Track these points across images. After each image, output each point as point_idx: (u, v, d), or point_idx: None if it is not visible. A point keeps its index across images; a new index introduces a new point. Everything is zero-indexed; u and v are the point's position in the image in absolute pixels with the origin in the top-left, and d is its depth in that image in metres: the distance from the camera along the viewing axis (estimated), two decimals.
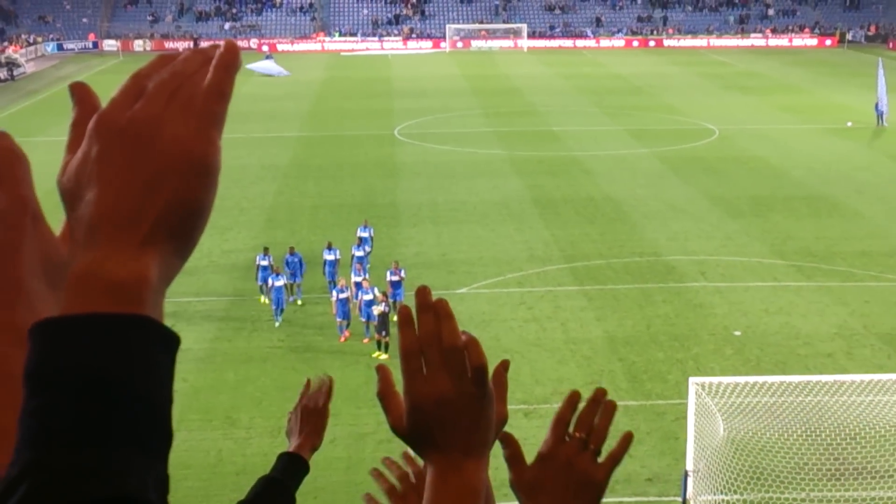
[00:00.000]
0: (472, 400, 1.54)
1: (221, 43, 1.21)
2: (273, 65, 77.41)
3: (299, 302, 28.40)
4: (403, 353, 1.54)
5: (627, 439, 1.90)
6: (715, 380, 20.33)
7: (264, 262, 28.45)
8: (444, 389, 1.53)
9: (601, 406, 1.89)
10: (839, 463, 19.34)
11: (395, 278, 26.82)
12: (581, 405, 1.90)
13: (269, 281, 27.32)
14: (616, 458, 1.87)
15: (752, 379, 20.49)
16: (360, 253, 28.88)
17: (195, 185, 1.14)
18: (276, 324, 26.96)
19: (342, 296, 25.95)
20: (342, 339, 25.90)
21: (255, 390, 23.50)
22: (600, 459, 1.86)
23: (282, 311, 27.13)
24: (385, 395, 1.58)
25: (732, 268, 31.36)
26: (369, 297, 25.54)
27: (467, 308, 28.08)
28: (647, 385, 23.56)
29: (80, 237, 1.13)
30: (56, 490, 1.01)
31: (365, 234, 30.82)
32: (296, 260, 28.64)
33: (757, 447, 19.89)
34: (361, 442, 20.52)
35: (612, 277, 30.55)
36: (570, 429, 1.86)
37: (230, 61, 1.18)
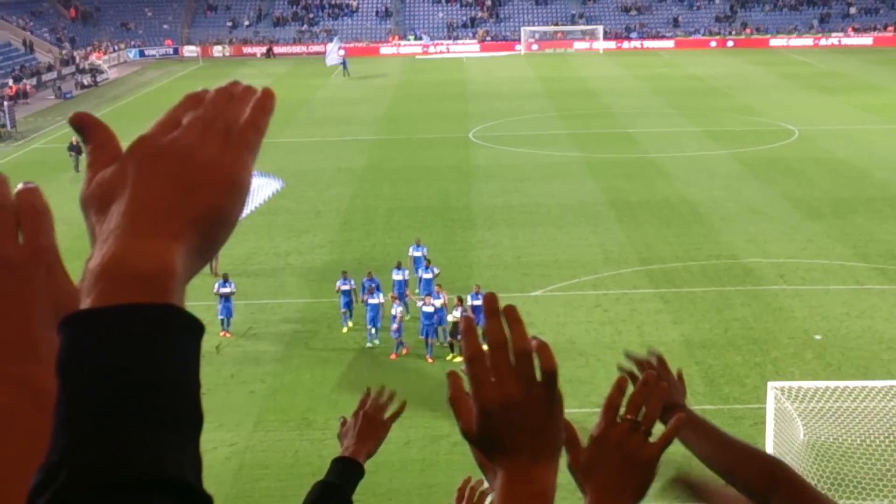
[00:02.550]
0: (541, 404, 1.56)
1: (247, 85, 1.37)
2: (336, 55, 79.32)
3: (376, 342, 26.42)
4: (468, 358, 1.56)
5: (680, 421, 1.93)
6: (795, 384, 20.03)
7: (346, 287, 26.99)
8: (513, 394, 1.55)
9: (651, 389, 1.92)
10: None
11: (477, 302, 25.58)
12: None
13: (363, 297, 26.41)
14: (667, 438, 1.91)
15: (833, 384, 20.14)
16: (428, 275, 27.87)
17: (227, 197, 1.24)
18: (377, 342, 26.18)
19: (372, 301, 25.88)
20: (393, 356, 25.61)
21: (330, 392, 23.69)
22: (651, 440, 1.90)
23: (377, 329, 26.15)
24: (455, 400, 1.60)
25: (813, 271, 30.83)
26: (430, 308, 25.33)
27: (542, 310, 28.01)
28: (724, 389, 23.27)
29: (108, 231, 1.20)
30: (95, 473, 1.06)
31: (418, 254, 29.69)
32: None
33: (838, 453, 19.52)
34: (436, 444, 20.56)
35: (689, 280, 30.23)
36: (622, 412, 1.90)
37: (267, 104, 1.34)
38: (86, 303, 1.15)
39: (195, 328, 1.17)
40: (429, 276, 27.91)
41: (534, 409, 1.56)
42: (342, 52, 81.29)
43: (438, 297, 25.82)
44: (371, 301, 26.06)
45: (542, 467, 1.57)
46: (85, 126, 1.32)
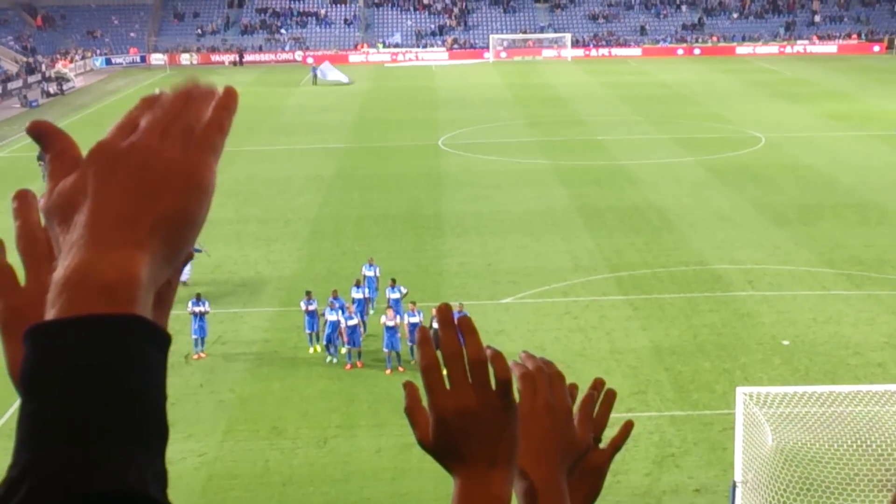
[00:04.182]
0: (497, 412, 1.57)
1: (216, 87, 1.35)
2: (331, 70, 78.74)
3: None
4: (424, 368, 1.56)
5: (627, 427, 2.01)
6: (763, 389, 20.13)
7: (311, 307, 26.34)
8: (469, 402, 1.56)
9: (601, 395, 2.00)
10: (891, 473, 19.04)
11: (415, 320, 25.37)
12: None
13: (325, 315, 25.83)
14: (616, 444, 2.01)
15: (801, 389, 20.26)
16: (395, 295, 27.22)
17: (191, 200, 1.22)
18: (335, 360, 25.72)
19: (351, 322, 25.49)
20: (348, 366, 25.41)
21: (300, 401, 23.60)
22: (602, 446, 1.98)
23: (336, 347, 25.76)
24: (412, 409, 1.61)
25: (780, 276, 31.05)
26: (393, 323, 25.15)
27: (512, 318, 28.05)
28: (693, 395, 23.38)
29: (71, 241, 1.17)
30: (58, 486, 1.04)
31: (371, 273, 28.94)
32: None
33: (807, 458, 19.65)
34: (407, 452, 20.51)
35: (658, 287, 30.37)
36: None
37: (229, 104, 1.32)
38: (49, 314, 1.13)
39: (161, 339, 1.15)
40: (396, 295, 27.24)
41: (489, 418, 1.56)
42: (312, 61, 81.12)
43: (413, 315, 25.52)
44: (329, 318, 25.68)
45: (497, 475, 1.58)
46: (43, 134, 1.28)
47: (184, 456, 20.49)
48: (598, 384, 2.02)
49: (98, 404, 1.07)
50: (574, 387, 1.93)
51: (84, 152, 1.27)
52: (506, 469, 1.59)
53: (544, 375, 1.82)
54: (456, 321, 1.60)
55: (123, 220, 1.18)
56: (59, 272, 1.16)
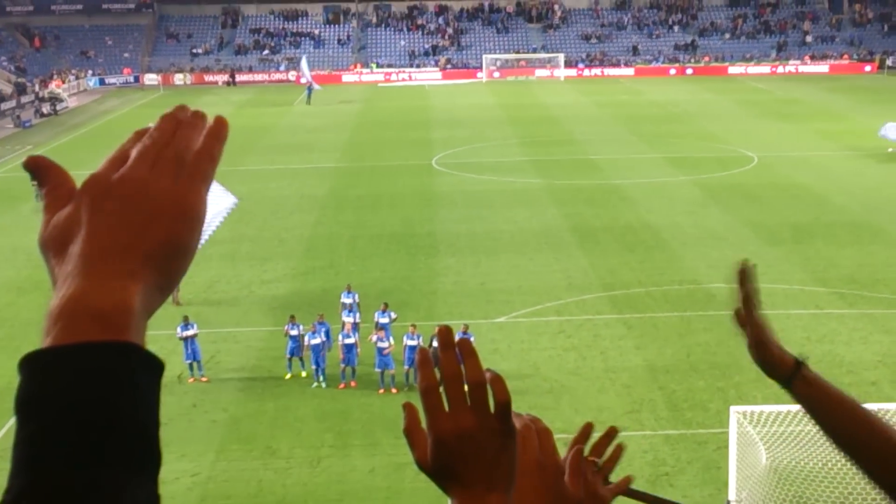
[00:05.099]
0: (496, 435, 1.57)
1: (205, 114, 1.39)
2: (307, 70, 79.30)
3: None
4: (423, 389, 1.57)
5: (627, 481, 2.13)
6: (757, 408, 20.12)
7: (293, 332, 26.03)
8: (467, 424, 1.56)
9: (612, 441, 2.13)
10: (885, 493, 19.01)
11: (413, 342, 25.19)
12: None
13: (306, 340, 25.64)
14: (621, 487, 2.11)
15: (794, 407, 20.06)
16: (385, 319, 26.81)
17: (183, 228, 1.25)
18: (323, 385, 25.52)
19: (348, 341, 25.39)
20: (342, 385, 25.40)
21: (294, 420, 23.53)
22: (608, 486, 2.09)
23: (323, 370, 25.52)
24: (410, 431, 1.61)
25: (773, 295, 31.07)
26: (384, 344, 25.17)
27: (506, 337, 28.03)
28: (687, 414, 23.36)
29: (66, 272, 1.20)
30: None
31: (349, 301, 28.15)
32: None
33: (801, 476, 19.63)
34: (401, 472, 20.45)
35: (652, 306, 30.38)
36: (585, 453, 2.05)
37: (220, 132, 1.36)
38: (45, 342, 1.15)
39: (154, 366, 1.17)
40: (385, 320, 26.91)
41: (488, 440, 1.57)
42: (304, 80, 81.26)
43: (413, 338, 25.38)
44: (313, 342, 25.50)
45: (495, 499, 1.58)
46: (39, 169, 1.33)
47: (177, 476, 20.40)
48: (612, 431, 2.13)
49: (92, 430, 1.09)
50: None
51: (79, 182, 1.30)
52: (503, 492, 1.59)
53: (531, 432, 1.83)
54: (456, 343, 1.61)
55: (116, 249, 1.21)
56: (55, 301, 1.18)
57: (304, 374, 26.03)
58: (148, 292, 1.20)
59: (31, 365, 1.13)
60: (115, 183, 1.26)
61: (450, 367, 1.57)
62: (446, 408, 1.57)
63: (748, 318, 2.16)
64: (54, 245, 1.24)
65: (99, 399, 1.10)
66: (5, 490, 1.08)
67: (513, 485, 1.61)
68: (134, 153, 1.29)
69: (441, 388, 1.58)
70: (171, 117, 1.34)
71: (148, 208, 1.24)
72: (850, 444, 2.37)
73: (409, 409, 1.61)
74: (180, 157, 1.29)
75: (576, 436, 2.05)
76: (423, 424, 1.59)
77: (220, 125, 1.36)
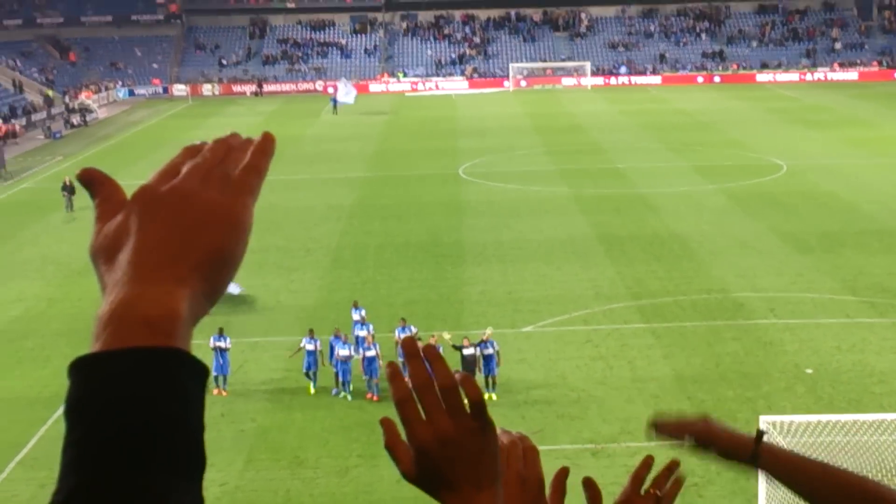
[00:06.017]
0: (476, 434, 1.58)
1: (259, 134, 1.47)
2: (345, 92, 78.88)
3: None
4: (397, 401, 1.58)
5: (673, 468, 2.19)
6: (787, 418, 19.98)
7: (310, 346, 25.87)
8: (446, 428, 1.57)
9: (673, 475, 2.18)
10: None
11: (371, 353, 25.31)
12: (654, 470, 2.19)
13: (336, 350, 25.52)
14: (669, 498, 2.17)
15: (825, 417, 20.10)
16: (405, 335, 26.56)
17: (230, 239, 1.30)
18: (349, 397, 25.50)
19: (369, 354, 25.34)
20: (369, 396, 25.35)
21: (321, 430, 23.58)
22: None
23: (348, 382, 25.46)
24: (392, 446, 1.62)
25: (803, 304, 30.87)
26: (371, 353, 25.22)
27: (533, 346, 27.98)
28: None
29: (116, 279, 1.24)
30: None
31: (357, 317, 27.98)
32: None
33: None
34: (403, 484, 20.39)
35: (680, 315, 30.24)
36: (645, 485, 2.13)
37: (267, 148, 1.44)
38: (94, 347, 1.18)
39: (199, 371, 1.20)
40: (363, 333, 26.64)
41: (468, 440, 1.58)
42: (333, 90, 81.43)
43: (370, 349, 25.35)
44: (342, 352, 25.42)
45: (486, 497, 1.59)
46: (93, 181, 1.36)
47: (205, 485, 20.36)
48: (673, 465, 2.19)
49: (140, 433, 1.12)
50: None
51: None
52: (492, 489, 1.60)
53: (517, 448, 1.84)
54: (421, 350, 1.61)
55: (165, 257, 1.24)
56: (104, 307, 1.22)
57: (313, 390, 25.72)
58: (195, 300, 1.24)
59: (81, 369, 1.16)
60: (165, 193, 1.30)
61: (419, 376, 1.57)
62: (423, 416, 1.58)
63: (680, 428, 2.14)
64: (105, 253, 1.28)
65: (147, 403, 1.13)
66: (55, 491, 1.11)
67: (499, 479, 1.63)
68: (185, 168, 1.34)
69: (415, 398, 1.58)
70: (224, 142, 1.41)
71: (197, 218, 1.28)
72: (831, 499, 2.47)
73: (387, 424, 1.62)
74: (229, 173, 1.36)
75: (637, 468, 2.13)
76: (404, 437, 1.60)
77: (268, 141, 1.44)
